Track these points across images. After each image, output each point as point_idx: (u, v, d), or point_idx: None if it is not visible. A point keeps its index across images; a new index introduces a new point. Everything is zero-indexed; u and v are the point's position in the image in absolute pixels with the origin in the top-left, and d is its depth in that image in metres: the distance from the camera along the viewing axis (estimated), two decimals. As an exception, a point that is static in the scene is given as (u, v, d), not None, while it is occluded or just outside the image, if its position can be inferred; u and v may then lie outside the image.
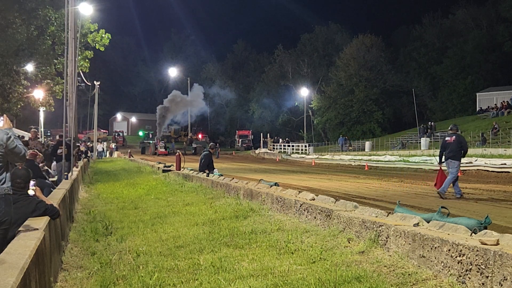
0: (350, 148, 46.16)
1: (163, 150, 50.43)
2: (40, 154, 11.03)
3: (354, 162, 29.82)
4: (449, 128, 11.61)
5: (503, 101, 41.06)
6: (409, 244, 4.27)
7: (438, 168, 11.21)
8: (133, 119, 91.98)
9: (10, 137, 4.29)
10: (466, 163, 21.69)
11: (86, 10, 20.48)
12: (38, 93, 29.29)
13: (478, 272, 3.42)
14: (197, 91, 61.41)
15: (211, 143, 19.56)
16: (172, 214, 8.57)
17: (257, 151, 53.07)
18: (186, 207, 9.32)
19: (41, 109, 33.60)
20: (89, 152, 36.84)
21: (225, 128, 79.90)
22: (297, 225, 6.42)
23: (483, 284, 3.37)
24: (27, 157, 9.46)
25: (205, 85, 69.59)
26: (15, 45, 24.02)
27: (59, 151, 13.52)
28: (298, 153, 46.94)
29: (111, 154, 52.56)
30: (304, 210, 6.69)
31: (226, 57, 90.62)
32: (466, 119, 45.32)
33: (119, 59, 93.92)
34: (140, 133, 76.12)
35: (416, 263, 4.12)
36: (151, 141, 58.71)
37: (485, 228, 4.39)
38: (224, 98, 74.86)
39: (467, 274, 3.53)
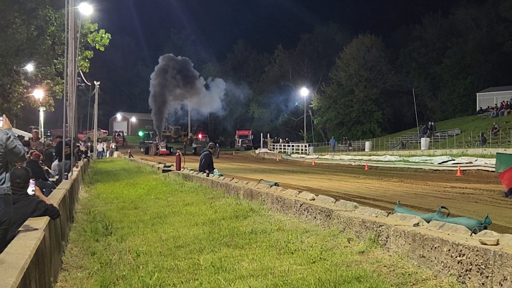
0: (350, 148, 46.20)
1: (165, 150, 49.25)
2: (41, 154, 11.05)
3: (354, 162, 29.81)
4: None
5: (503, 101, 41.05)
6: (409, 244, 4.27)
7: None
8: (133, 119, 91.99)
9: (9, 137, 4.29)
10: (466, 163, 21.72)
11: (86, 10, 20.49)
12: (38, 93, 29.27)
13: (478, 272, 3.42)
14: (219, 88, 56.60)
15: (211, 143, 19.51)
16: (172, 214, 8.57)
17: (257, 151, 53.04)
18: (186, 207, 9.32)
19: (41, 109, 33.57)
20: (89, 152, 36.84)
21: (233, 127, 78.52)
22: (297, 225, 6.42)
23: (483, 284, 3.37)
24: (31, 158, 9.51)
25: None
26: (15, 45, 24.00)
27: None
28: (298, 153, 46.94)
29: (111, 154, 52.56)
30: (304, 210, 6.68)
31: (226, 57, 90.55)
32: (466, 119, 45.32)
33: (119, 59, 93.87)
34: (140, 133, 73.55)
35: (416, 263, 4.12)
36: (152, 141, 56.29)
37: (485, 228, 4.40)
38: (229, 97, 71.73)
39: (467, 274, 3.53)
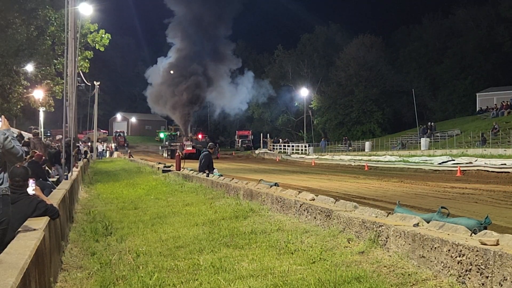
0: (350, 148, 46.22)
1: (190, 148, 42.81)
2: (43, 155, 11.07)
3: (354, 162, 29.81)
4: None
5: (503, 101, 41.04)
6: (409, 244, 4.27)
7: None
8: (133, 119, 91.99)
9: (7, 137, 4.28)
10: (466, 163, 21.72)
11: (86, 10, 20.51)
12: (38, 93, 29.25)
13: (478, 272, 3.42)
14: (247, 82, 52.84)
15: (211, 143, 19.51)
16: (172, 214, 8.56)
17: (257, 151, 53.06)
18: (186, 207, 9.31)
19: (41, 109, 33.56)
20: (88, 152, 36.84)
21: (233, 127, 77.68)
22: (297, 225, 6.42)
23: (483, 284, 3.37)
24: (33, 159, 9.52)
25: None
26: (15, 45, 24.01)
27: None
28: (298, 153, 46.95)
29: (111, 154, 52.54)
30: (304, 210, 6.68)
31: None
32: (466, 120, 45.31)
33: (119, 59, 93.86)
34: (162, 135, 62.27)
35: (416, 263, 4.12)
36: (177, 143, 47.90)
37: (485, 228, 4.39)
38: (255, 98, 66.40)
39: (467, 274, 3.53)
